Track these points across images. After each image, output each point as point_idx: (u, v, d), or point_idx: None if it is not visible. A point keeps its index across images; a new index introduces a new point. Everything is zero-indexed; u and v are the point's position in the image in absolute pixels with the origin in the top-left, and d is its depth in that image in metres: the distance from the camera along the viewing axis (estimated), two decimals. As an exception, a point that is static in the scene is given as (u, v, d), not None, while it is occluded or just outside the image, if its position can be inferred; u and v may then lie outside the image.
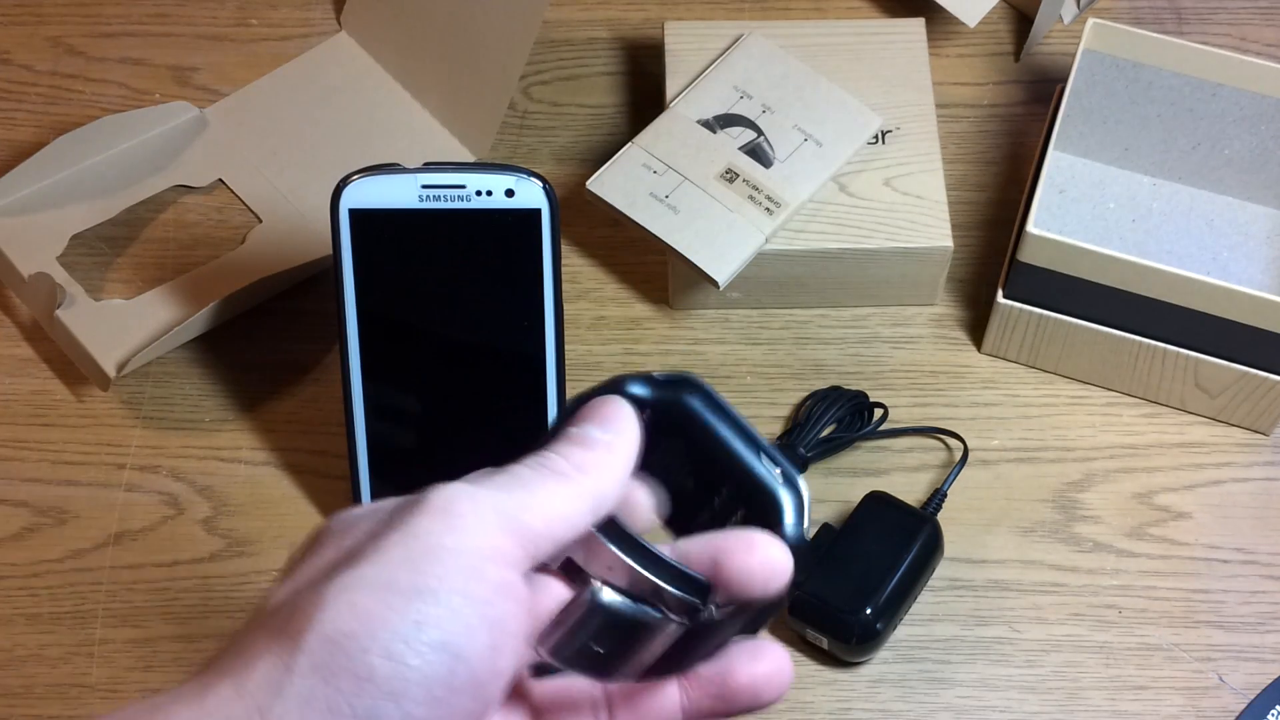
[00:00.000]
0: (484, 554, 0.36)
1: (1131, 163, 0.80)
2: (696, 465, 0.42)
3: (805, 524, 0.41)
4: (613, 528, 0.40)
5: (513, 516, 0.37)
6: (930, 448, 0.74)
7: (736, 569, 0.39)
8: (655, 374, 0.42)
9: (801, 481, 0.41)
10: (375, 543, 0.35)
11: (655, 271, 0.79)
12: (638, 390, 0.41)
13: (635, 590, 0.39)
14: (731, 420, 0.41)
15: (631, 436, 0.40)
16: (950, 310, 0.78)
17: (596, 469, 0.39)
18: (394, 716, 0.33)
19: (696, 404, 0.41)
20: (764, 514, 0.41)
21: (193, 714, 0.34)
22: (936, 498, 0.71)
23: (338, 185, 0.65)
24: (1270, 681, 0.67)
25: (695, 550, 0.40)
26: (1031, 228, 0.69)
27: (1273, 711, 0.67)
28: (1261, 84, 0.75)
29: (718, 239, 0.72)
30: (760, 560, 0.40)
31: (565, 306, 0.68)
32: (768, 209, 0.73)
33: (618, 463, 0.39)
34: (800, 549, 0.40)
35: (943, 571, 0.70)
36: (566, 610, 0.38)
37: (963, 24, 0.83)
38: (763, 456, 0.41)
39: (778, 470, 0.41)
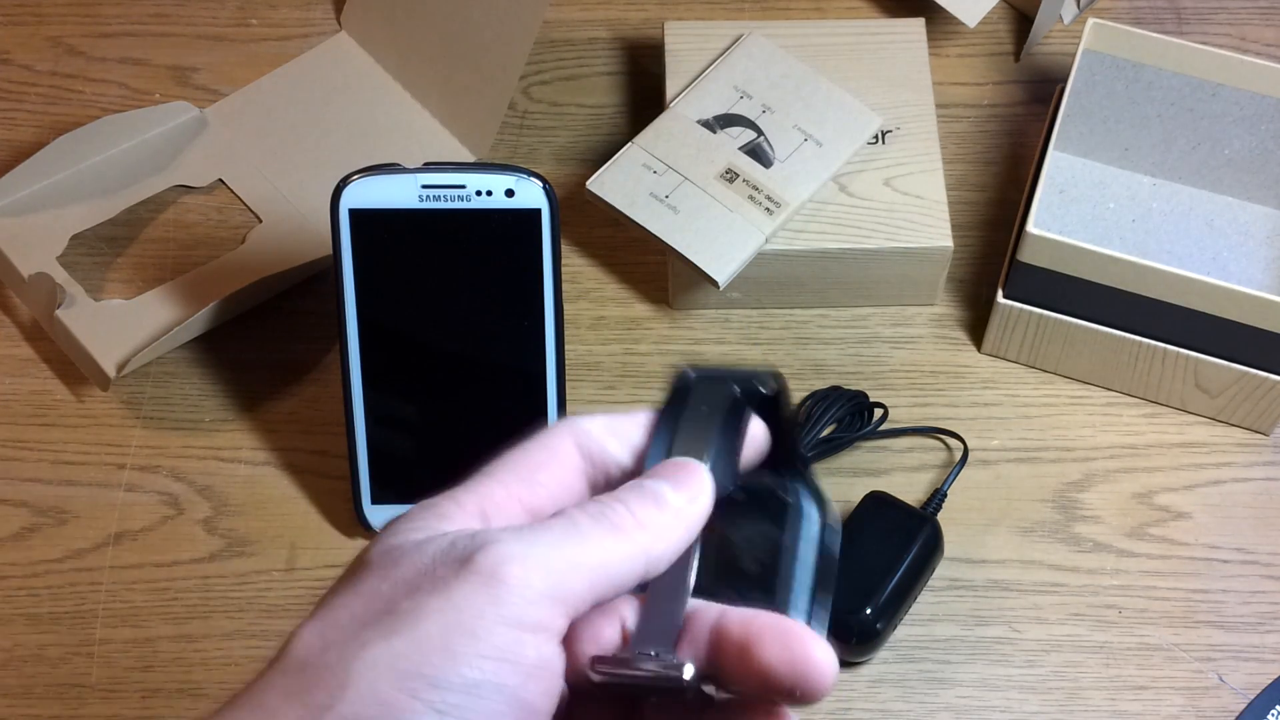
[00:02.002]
0: (525, 628, 0.35)
1: (1131, 163, 0.80)
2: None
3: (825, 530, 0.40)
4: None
5: (560, 581, 0.35)
6: (930, 448, 0.74)
7: (761, 661, 0.36)
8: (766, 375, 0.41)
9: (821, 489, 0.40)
10: (414, 606, 0.34)
11: (655, 271, 0.79)
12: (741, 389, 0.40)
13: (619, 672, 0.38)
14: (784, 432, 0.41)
15: (704, 506, 0.38)
16: (950, 310, 0.78)
17: (658, 529, 0.37)
18: None
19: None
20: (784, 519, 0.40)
21: None
22: (936, 498, 0.71)
23: (338, 185, 0.65)
24: (1270, 681, 0.67)
25: (734, 625, 0.37)
26: (1031, 228, 0.69)
27: (1273, 711, 0.67)
28: (1261, 84, 0.75)
29: (718, 239, 0.72)
30: (789, 658, 0.36)
31: (565, 306, 0.68)
32: (768, 209, 0.73)
33: (681, 529, 0.38)
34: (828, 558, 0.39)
35: (943, 571, 0.70)
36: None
37: (963, 24, 0.83)
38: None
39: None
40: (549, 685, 0.35)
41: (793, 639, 0.36)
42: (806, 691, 0.36)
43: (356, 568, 0.37)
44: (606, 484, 0.39)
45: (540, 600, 0.35)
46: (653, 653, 0.37)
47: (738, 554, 0.40)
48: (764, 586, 0.39)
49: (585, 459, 0.40)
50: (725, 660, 0.37)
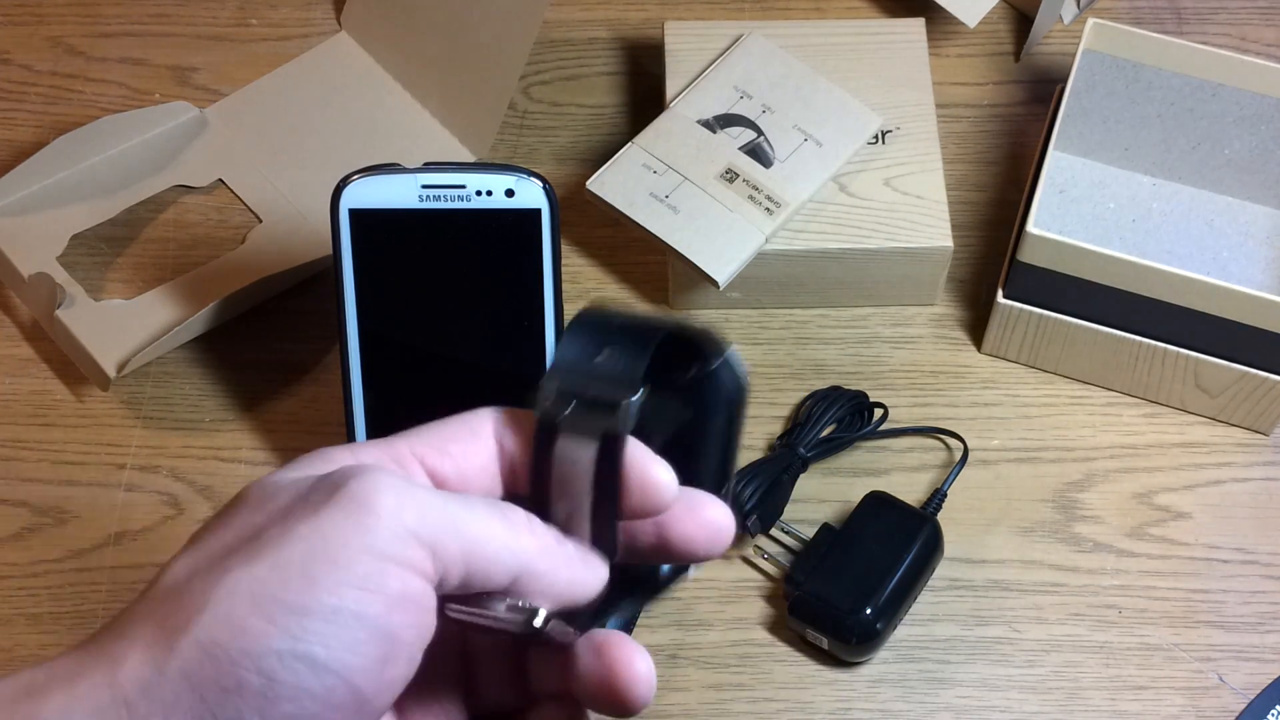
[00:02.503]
0: (390, 559, 0.34)
1: (1131, 163, 0.80)
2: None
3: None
4: None
5: (433, 527, 0.35)
6: (930, 448, 0.74)
7: (679, 535, 0.39)
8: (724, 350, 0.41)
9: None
10: (280, 533, 0.34)
11: (655, 271, 0.79)
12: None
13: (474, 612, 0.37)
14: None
15: (590, 589, 0.38)
16: (950, 310, 0.78)
17: (548, 553, 0.37)
18: None
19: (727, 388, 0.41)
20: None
21: (64, 700, 0.33)
22: (936, 498, 0.71)
23: (338, 185, 0.65)
24: (1270, 681, 0.67)
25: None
26: (1031, 228, 0.69)
27: (1273, 711, 0.67)
28: (1261, 84, 0.75)
29: (718, 239, 0.72)
30: (702, 523, 0.39)
31: (565, 306, 0.68)
32: (768, 209, 0.73)
33: (564, 576, 0.37)
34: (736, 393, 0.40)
35: (943, 571, 0.70)
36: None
37: (963, 24, 0.83)
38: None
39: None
40: (415, 619, 0.35)
41: (697, 503, 0.39)
42: (706, 547, 0.38)
43: (233, 502, 0.36)
44: (515, 482, 0.39)
45: (408, 536, 0.34)
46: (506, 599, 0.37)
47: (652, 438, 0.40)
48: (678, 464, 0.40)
49: (500, 446, 0.39)
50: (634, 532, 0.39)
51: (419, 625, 0.35)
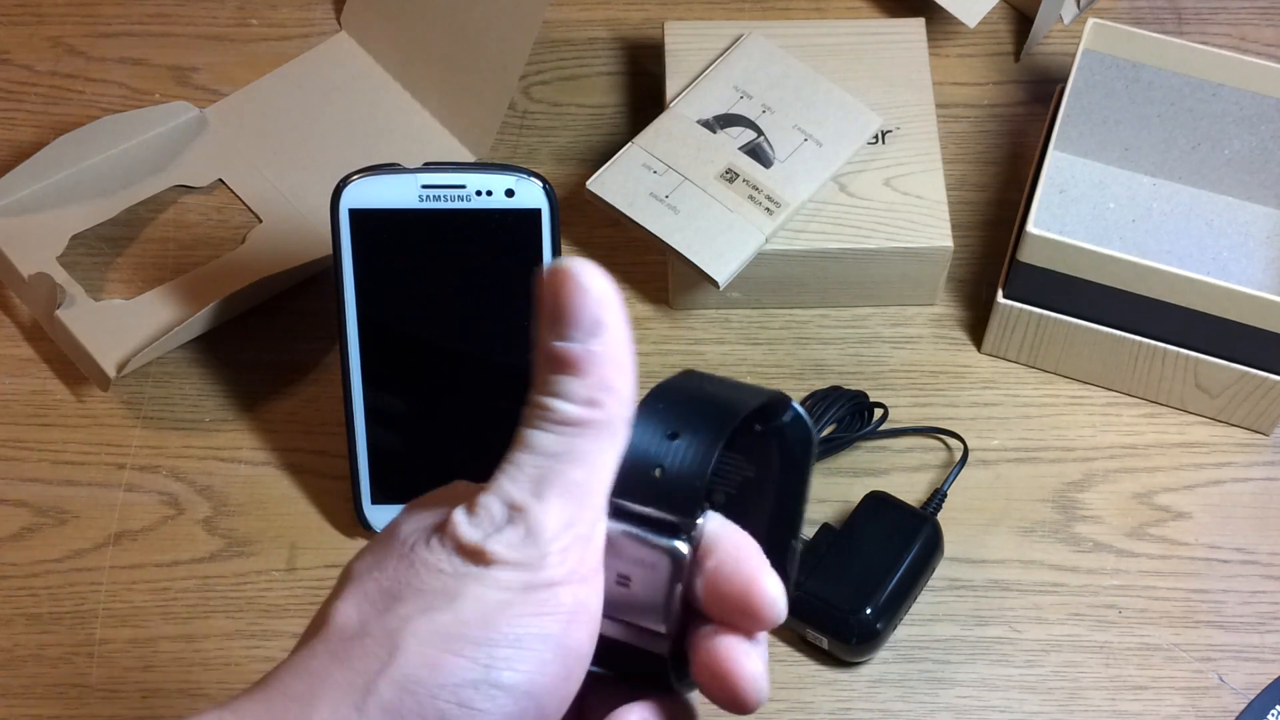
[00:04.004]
0: (557, 581, 0.35)
1: (1131, 163, 0.80)
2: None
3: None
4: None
5: (574, 521, 0.35)
6: (930, 448, 0.74)
7: (722, 599, 0.37)
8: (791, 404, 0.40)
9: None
10: (446, 592, 0.35)
11: (655, 271, 0.79)
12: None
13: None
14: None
15: (618, 322, 0.37)
16: (950, 310, 0.78)
17: (607, 391, 0.36)
18: None
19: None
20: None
21: None
22: (936, 498, 0.71)
23: (338, 185, 0.65)
24: (1270, 681, 0.67)
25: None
26: (1031, 228, 0.69)
27: (1273, 711, 0.67)
28: (1261, 84, 0.75)
29: (718, 239, 0.72)
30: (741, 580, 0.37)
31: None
32: (768, 209, 0.73)
33: (626, 367, 0.36)
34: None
35: (943, 571, 0.70)
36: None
37: (963, 24, 0.83)
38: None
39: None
40: (589, 628, 0.36)
41: (745, 562, 0.37)
42: (755, 616, 0.36)
43: (388, 536, 0.37)
44: None
45: (567, 554, 0.35)
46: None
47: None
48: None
49: None
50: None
51: (590, 632, 0.36)
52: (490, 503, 0.36)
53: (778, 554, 0.39)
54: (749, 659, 0.37)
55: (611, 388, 0.36)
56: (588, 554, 0.36)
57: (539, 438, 0.36)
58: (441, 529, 0.36)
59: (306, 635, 0.36)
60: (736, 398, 0.38)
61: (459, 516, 0.36)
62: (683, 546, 0.37)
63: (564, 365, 0.36)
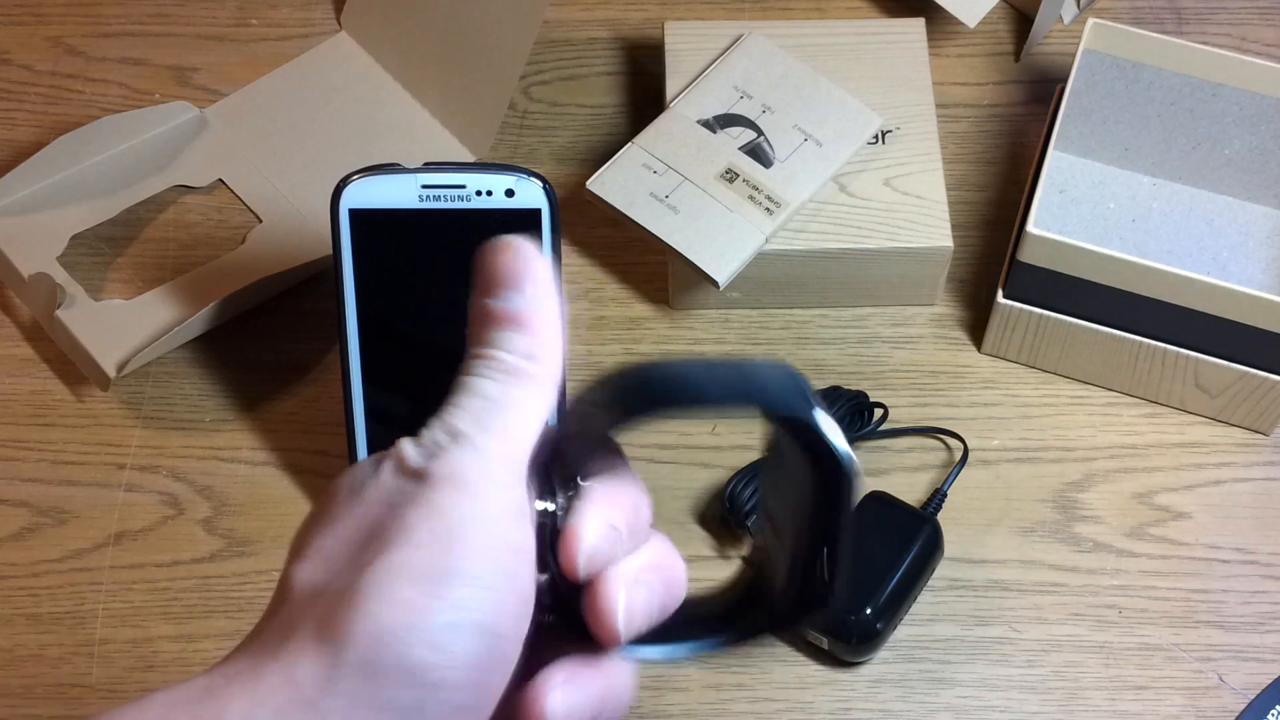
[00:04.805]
0: (507, 516, 0.36)
1: (1131, 163, 0.80)
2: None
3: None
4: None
5: (510, 454, 0.37)
6: (930, 448, 0.74)
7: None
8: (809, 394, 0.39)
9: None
10: (399, 519, 0.35)
11: (655, 271, 0.79)
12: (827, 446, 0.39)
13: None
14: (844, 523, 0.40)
15: (547, 282, 0.39)
16: (950, 310, 0.78)
17: (542, 347, 0.38)
18: (438, 706, 0.34)
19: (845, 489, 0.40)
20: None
21: (247, 702, 0.34)
22: (936, 498, 0.71)
23: (338, 185, 0.65)
24: (1270, 681, 0.67)
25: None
26: (1031, 228, 0.69)
27: (1273, 711, 0.67)
28: (1261, 84, 0.75)
29: (718, 239, 0.72)
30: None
31: (565, 306, 0.68)
32: (768, 209, 0.73)
33: (555, 326, 0.39)
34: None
35: (943, 571, 0.70)
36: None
37: (963, 24, 0.83)
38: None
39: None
40: (530, 567, 0.37)
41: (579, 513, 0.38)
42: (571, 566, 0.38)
43: (329, 500, 0.38)
44: None
45: (508, 487, 0.36)
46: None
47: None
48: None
49: None
50: None
51: (530, 571, 0.37)
52: (434, 432, 0.37)
53: (809, 554, 0.40)
54: (611, 589, 0.38)
55: (547, 346, 0.38)
56: (521, 495, 0.37)
57: (480, 384, 0.38)
58: (387, 459, 0.37)
59: (270, 608, 0.37)
60: (708, 382, 0.38)
61: (405, 444, 0.37)
62: (550, 506, 0.39)
63: (506, 322, 0.38)
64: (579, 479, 0.39)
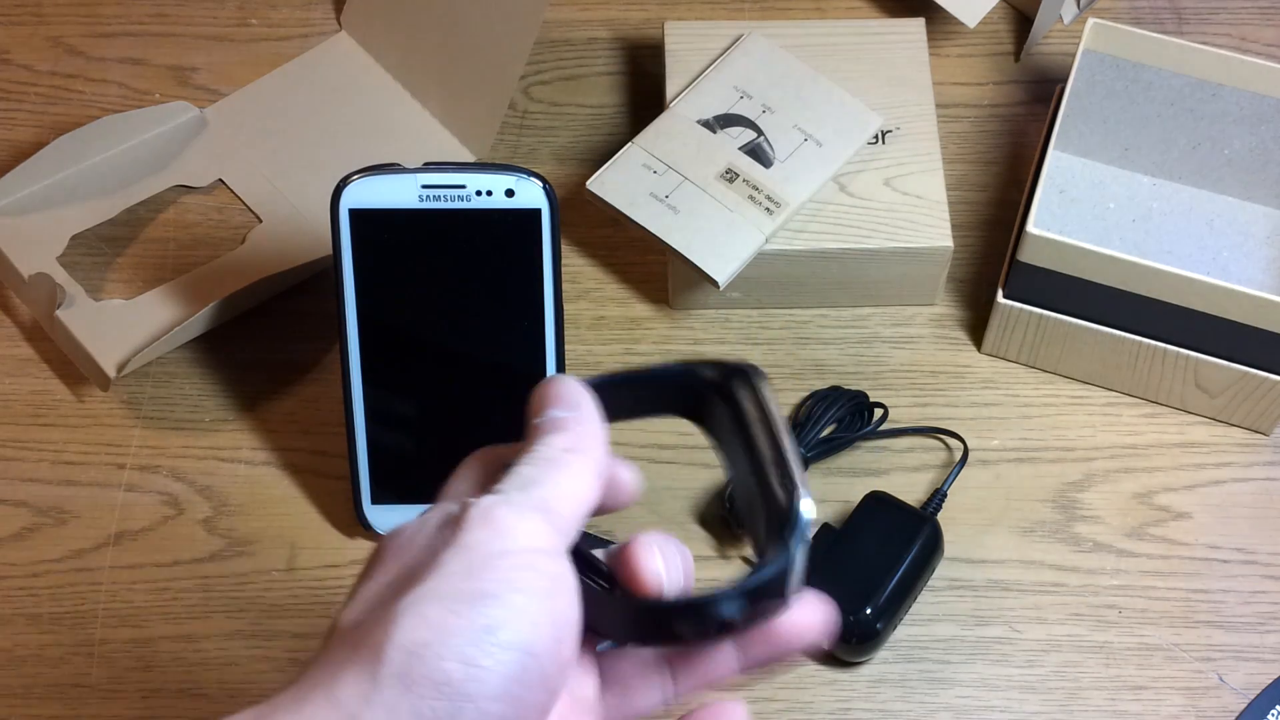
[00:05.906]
0: (535, 551, 0.38)
1: (1131, 163, 0.80)
2: (743, 452, 0.43)
3: (794, 583, 0.41)
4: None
5: (546, 510, 0.39)
6: (930, 448, 0.74)
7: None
8: (725, 361, 0.44)
9: (806, 509, 0.41)
10: (433, 558, 0.38)
11: (655, 271, 0.79)
12: (706, 373, 0.44)
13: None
14: (766, 425, 0.43)
15: (589, 404, 0.42)
16: (950, 310, 0.78)
17: (582, 444, 0.41)
18: (474, 716, 0.36)
19: (744, 397, 0.43)
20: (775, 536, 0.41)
21: None
22: (936, 498, 0.71)
23: (338, 185, 0.65)
24: (1270, 681, 0.67)
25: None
26: (1031, 228, 0.69)
27: (1273, 711, 0.67)
28: (1261, 84, 0.75)
29: (718, 239, 0.72)
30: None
31: (565, 306, 0.68)
32: (768, 209, 0.73)
33: (595, 431, 0.42)
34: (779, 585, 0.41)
35: (943, 571, 0.70)
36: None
37: (963, 24, 0.83)
38: (776, 475, 0.42)
39: (785, 496, 0.41)
40: (572, 598, 0.38)
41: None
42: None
43: (376, 555, 0.41)
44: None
45: (539, 529, 0.39)
46: None
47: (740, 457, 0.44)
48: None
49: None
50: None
51: (574, 605, 0.39)
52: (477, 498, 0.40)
53: (760, 478, 0.42)
54: (648, 551, 0.42)
55: (587, 443, 0.42)
56: (556, 542, 0.39)
57: (520, 469, 0.41)
58: (430, 515, 0.40)
59: (317, 651, 0.39)
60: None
61: (447, 503, 0.40)
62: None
63: (547, 430, 0.41)
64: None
